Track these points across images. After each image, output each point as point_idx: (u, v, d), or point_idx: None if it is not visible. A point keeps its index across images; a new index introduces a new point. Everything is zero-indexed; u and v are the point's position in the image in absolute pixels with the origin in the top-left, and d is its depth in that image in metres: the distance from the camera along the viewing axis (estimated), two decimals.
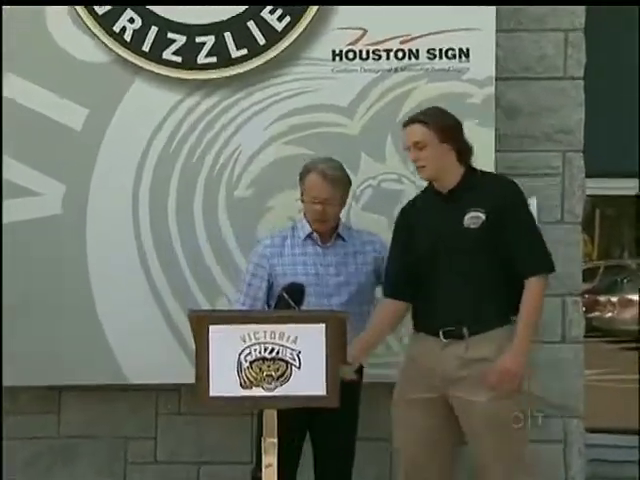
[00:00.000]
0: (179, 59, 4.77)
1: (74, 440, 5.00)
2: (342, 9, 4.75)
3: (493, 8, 4.75)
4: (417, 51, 4.75)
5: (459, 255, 3.84)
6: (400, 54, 4.76)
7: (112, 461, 5.00)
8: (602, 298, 12.28)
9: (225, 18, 4.76)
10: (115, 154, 4.78)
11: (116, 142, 4.79)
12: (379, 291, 4.21)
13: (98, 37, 4.77)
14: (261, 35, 4.76)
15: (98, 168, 4.79)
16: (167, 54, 4.77)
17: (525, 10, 4.92)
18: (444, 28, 4.73)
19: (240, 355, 3.22)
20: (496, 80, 4.77)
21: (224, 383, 3.23)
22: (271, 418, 3.27)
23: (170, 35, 4.76)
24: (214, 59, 4.76)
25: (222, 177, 4.81)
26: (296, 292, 3.87)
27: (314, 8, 4.73)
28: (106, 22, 4.76)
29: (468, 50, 4.73)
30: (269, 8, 4.75)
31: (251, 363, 3.22)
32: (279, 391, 3.23)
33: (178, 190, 4.81)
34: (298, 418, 3.78)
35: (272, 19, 4.76)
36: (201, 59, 4.76)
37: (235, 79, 4.79)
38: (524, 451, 3.86)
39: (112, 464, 5.01)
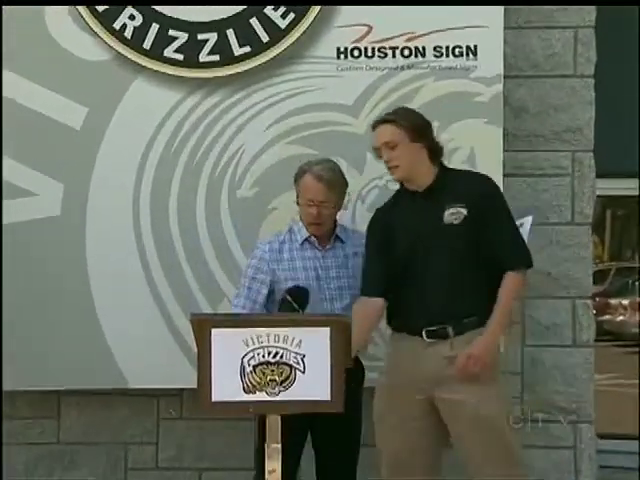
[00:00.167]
0: (181, 57, 4.71)
1: (74, 446, 4.96)
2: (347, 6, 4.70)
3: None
4: (423, 49, 4.70)
5: (439, 253, 3.83)
6: (406, 52, 4.71)
7: (113, 467, 4.97)
8: (613, 301, 12.21)
9: (228, 15, 4.70)
10: (115, 154, 4.75)
11: (116, 141, 4.75)
12: None
13: (98, 34, 4.72)
14: (264, 32, 4.71)
15: (98, 168, 4.75)
16: (169, 52, 4.72)
17: (534, 7, 4.85)
18: (451, 25, 4.68)
19: (243, 359, 3.18)
20: (504, 78, 4.72)
21: (227, 388, 3.18)
22: (275, 423, 3.22)
23: (172, 32, 4.71)
24: (216, 57, 4.71)
25: (224, 177, 4.76)
26: (300, 295, 3.85)
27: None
28: (106, 19, 4.72)
29: (476, 48, 4.68)
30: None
31: (254, 367, 3.18)
32: (283, 396, 3.18)
33: (179, 190, 4.77)
34: (299, 420, 3.74)
35: (276, 16, 4.70)
36: (203, 57, 4.71)
37: (238, 77, 4.73)
38: (515, 451, 3.84)
39: (113, 470, 4.97)
